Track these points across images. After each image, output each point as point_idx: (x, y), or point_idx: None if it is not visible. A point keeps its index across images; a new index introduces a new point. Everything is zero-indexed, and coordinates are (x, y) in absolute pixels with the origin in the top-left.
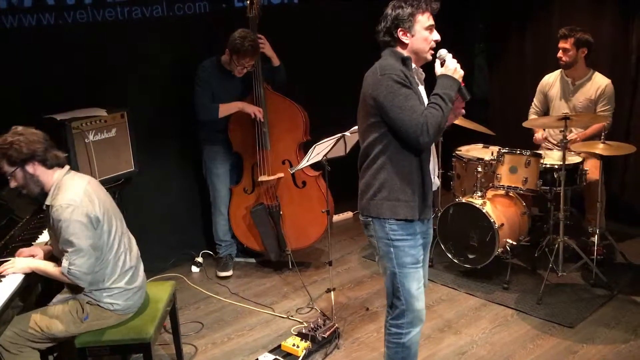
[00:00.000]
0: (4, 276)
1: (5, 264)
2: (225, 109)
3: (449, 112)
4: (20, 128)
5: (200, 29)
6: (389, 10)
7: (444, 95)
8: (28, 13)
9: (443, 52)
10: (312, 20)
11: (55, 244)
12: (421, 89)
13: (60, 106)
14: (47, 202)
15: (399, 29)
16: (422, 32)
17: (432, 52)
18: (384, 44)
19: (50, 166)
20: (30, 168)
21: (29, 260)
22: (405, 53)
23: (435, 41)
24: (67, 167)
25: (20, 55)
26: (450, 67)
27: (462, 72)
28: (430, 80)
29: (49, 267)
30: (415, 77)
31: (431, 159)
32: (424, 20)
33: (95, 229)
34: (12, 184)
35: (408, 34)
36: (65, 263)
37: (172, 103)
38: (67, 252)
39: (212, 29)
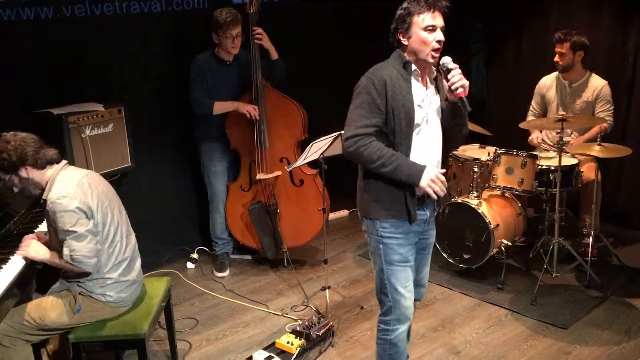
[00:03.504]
0: (5, 263)
1: (22, 245)
2: (220, 107)
3: (386, 173)
4: (8, 135)
5: (199, 25)
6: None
7: (398, 167)
8: (26, 7)
9: (446, 59)
10: (312, 18)
11: (54, 238)
12: (429, 91)
13: (57, 100)
14: (44, 196)
15: (398, 31)
16: (420, 34)
17: (435, 52)
18: (393, 45)
19: (41, 167)
20: (23, 173)
21: (40, 249)
22: (407, 56)
23: (438, 42)
24: (63, 162)
25: (18, 49)
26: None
27: (466, 83)
28: None
29: (56, 258)
30: (419, 79)
31: (433, 162)
32: (420, 21)
33: (89, 220)
34: (15, 190)
35: (405, 36)
36: (66, 251)
37: (169, 99)
38: (65, 240)
39: (210, 25)
